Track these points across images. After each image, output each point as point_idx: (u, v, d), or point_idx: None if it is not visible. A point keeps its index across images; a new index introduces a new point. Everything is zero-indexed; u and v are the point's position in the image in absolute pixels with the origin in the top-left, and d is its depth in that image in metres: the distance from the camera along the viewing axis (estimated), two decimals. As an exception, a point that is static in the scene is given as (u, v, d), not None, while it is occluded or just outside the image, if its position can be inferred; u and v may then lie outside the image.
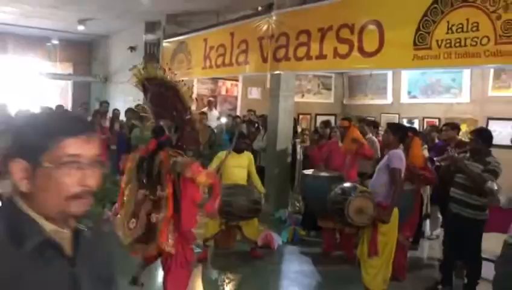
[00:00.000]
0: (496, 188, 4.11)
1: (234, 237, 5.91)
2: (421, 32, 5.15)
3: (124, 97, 12.22)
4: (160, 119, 3.78)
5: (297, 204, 8.10)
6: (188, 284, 3.77)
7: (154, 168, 3.52)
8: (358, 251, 4.54)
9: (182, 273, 3.68)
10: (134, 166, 3.64)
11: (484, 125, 7.99)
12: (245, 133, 7.24)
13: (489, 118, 8.84)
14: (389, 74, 11.03)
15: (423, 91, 10.50)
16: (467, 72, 9.19)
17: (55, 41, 13.22)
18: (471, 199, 4.40)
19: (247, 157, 5.71)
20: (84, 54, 14.58)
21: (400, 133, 4.42)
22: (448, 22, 4.88)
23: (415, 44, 5.23)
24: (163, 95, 3.76)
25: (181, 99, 3.73)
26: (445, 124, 6.01)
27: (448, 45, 4.86)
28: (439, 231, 7.09)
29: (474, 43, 4.64)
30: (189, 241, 3.75)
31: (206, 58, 9.18)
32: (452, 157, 4.53)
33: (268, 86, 9.58)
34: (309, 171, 6.03)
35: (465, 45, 4.72)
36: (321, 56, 6.64)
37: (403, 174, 4.28)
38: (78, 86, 14.53)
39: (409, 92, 10.85)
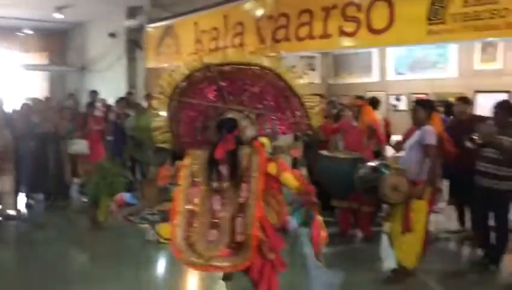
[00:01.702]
0: None
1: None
2: (435, 6, 5.13)
3: (105, 86, 11.81)
4: (228, 111, 3.27)
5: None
6: None
7: (239, 165, 3.08)
8: (389, 229, 4.55)
9: (276, 279, 3.23)
10: (202, 169, 3.15)
11: (472, 99, 8.03)
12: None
13: (475, 91, 8.98)
14: (374, 51, 11.05)
15: (410, 67, 10.58)
16: (454, 46, 9.27)
17: (29, 31, 12.62)
18: (502, 171, 4.46)
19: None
20: (59, 43, 13.99)
21: (429, 109, 4.42)
22: (463, -5, 4.88)
23: (429, 19, 5.22)
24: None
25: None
26: (458, 98, 6.02)
27: (465, 19, 4.87)
28: (443, 205, 7.25)
29: (493, 16, 4.66)
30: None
31: (197, 43, 8.95)
32: (487, 133, 4.49)
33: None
34: (326, 153, 5.98)
35: (483, 18, 4.74)
36: (325, 36, 6.56)
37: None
38: (54, 76, 13.95)
39: (396, 69, 10.92)
